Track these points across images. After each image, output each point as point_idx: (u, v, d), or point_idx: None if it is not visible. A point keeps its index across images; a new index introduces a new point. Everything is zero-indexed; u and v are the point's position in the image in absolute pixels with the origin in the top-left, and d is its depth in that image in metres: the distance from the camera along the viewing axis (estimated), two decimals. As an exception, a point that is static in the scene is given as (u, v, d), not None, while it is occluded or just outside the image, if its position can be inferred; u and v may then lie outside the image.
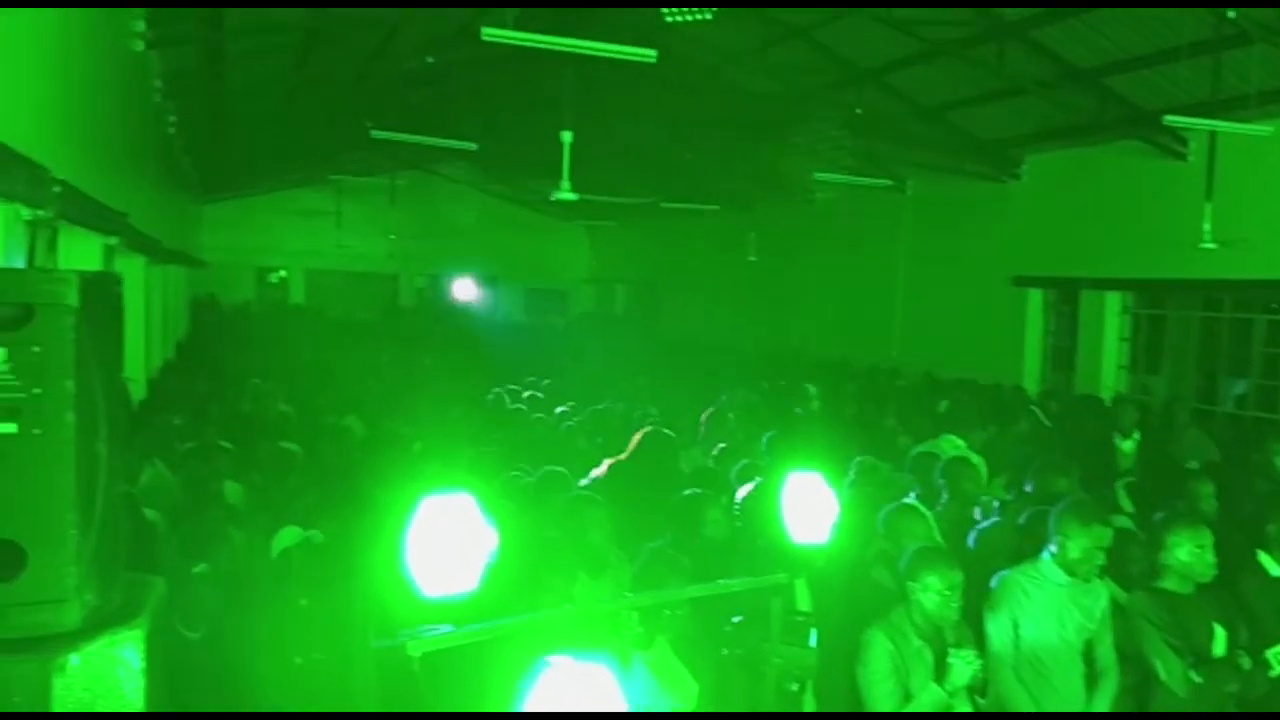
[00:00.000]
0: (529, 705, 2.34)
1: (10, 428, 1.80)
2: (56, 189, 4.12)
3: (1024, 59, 11.72)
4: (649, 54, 7.50)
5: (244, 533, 6.49)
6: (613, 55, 7.44)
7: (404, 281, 30.99)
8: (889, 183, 15.81)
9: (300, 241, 27.89)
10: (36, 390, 1.80)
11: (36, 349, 1.80)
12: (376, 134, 12.56)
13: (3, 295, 1.78)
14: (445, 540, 2.29)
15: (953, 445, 7.46)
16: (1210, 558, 3.94)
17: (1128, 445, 7.33)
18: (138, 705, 1.94)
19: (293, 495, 6.60)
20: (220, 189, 23.93)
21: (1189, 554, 3.95)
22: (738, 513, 4.25)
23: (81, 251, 6.22)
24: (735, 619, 3.41)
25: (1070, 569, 3.95)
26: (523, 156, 17.55)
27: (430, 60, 11.53)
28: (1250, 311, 12.21)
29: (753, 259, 18.53)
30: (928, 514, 4.41)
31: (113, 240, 6.58)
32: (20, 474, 1.81)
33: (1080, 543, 3.91)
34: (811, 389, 12.62)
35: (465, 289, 31.96)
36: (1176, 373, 13.64)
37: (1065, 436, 8.49)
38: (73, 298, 1.82)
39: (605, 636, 2.76)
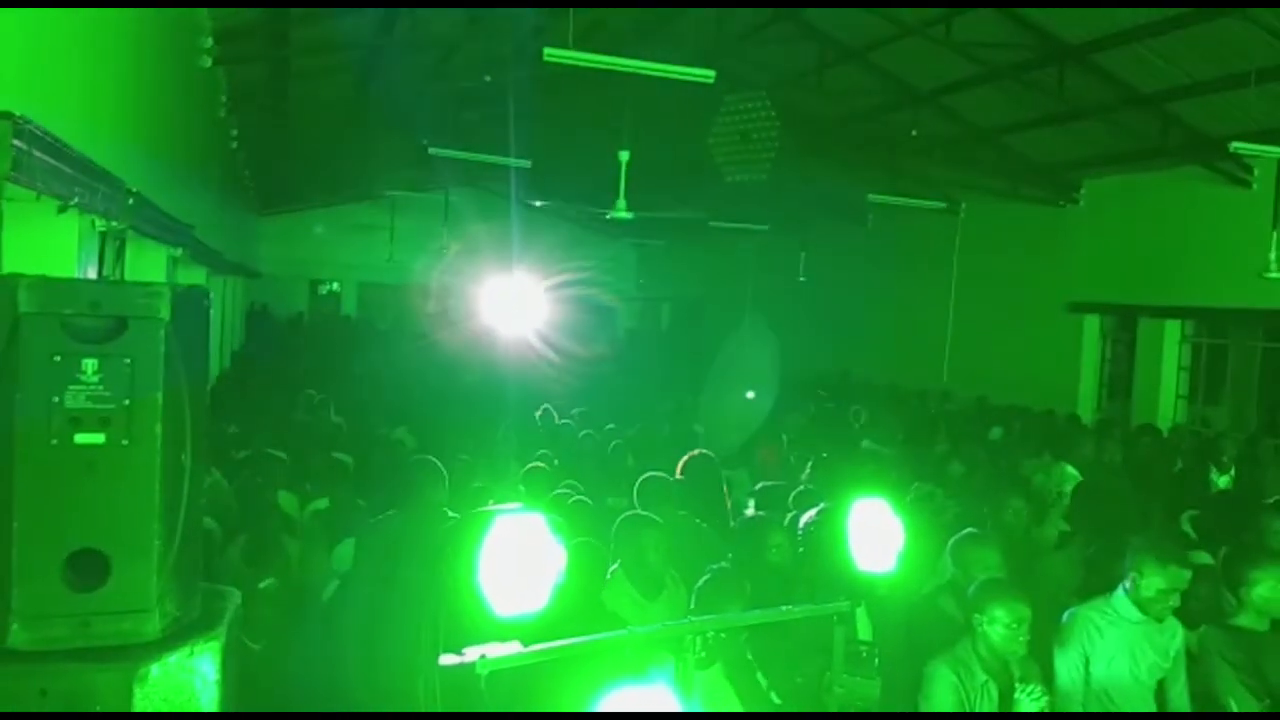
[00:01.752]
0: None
1: (99, 438, 1.83)
2: (131, 201, 4.20)
3: (1084, 83, 11.57)
4: (707, 74, 7.51)
5: (300, 543, 6.60)
6: (671, 76, 7.47)
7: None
8: (943, 205, 15.66)
9: (353, 255, 28.32)
10: (126, 402, 1.83)
11: (128, 361, 1.83)
12: (435, 151, 12.69)
13: (97, 307, 1.81)
14: (517, 559, 2.28)
15: (1070, 475, 7.21)
16: (1292, 595, 3.82)
17: (1224, 480, 7.15)
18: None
19: (348, 507, 6.68)
20: (277, 203, 24.42)
21: (1270, 590, 3.83)
22: (800, 539, 4.19)
23: (148, 262, 6.34)
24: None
25: (1143, 607, 3.85)
26: (576, 174, 17.64)
27: (488, 79, 11.66)
28: (1317, 343, 11.92)
29: (803, 279, 18.45)
30: (997, 544, 4.32)
31: (178, 252, 6.70)
32: (107, 484, 1.84)
33: (1155, 582, 3.81)
34: (862, 412, 12.53)
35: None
36: (1237, 404, 13.32)
37: (1147, 469, 8.30)
38: (165, 311, 1.84)
39: (667, 659, 2.74)
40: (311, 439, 9.57)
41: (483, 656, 2.36)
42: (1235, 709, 3.74)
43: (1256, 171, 11.34)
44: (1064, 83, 11.41)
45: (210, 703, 1.97)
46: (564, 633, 2.51)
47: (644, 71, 7.40)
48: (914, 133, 13.81)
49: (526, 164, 13.00)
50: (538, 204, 24.79)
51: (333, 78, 12.27)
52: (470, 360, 17.67)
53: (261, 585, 4.46)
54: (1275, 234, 9.02)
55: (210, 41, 7.95)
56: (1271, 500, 5.60)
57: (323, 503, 6.99)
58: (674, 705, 2.48)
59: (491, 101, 13.93)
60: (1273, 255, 8.99)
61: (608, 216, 9.48)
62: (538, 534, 2.31)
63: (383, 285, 29.80)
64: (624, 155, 8.81)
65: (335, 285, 31.01)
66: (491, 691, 2.34)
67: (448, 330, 27.35)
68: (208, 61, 8.05)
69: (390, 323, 27.77)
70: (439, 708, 2.52)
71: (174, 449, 1.92)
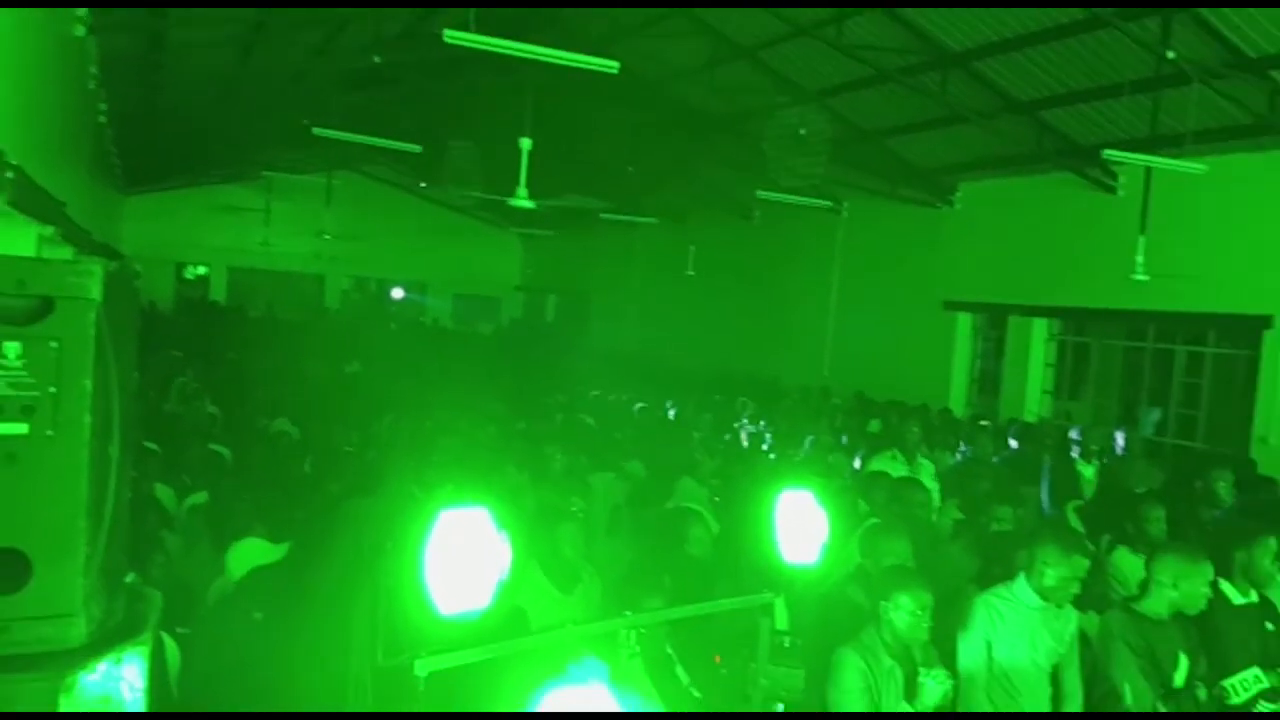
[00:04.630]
0: (533, 725, 2.28)
1: (22, 428, 1.67)
2: (10, 174, 3.91)
3: (965, 89, 12.01)
4: (611, 65, 7.47)
5: (179, 538, 6.30)
6: (575, 64, 7.40)
7: (330, 283, 30.44)
8: (827, 204, 16.03)
9: (223, 238, 27.20)
10: (52, 389, 1.68)
11: (55, 344, 1.68)
12: (318, 132, 12.28)
13: (23, 286, 1.66)
14: (462, 556, 2.21)
15: (894, 464, 7.57)
16: (1207, 593, 4.02)
17: (1089, 471, 7.54)
18: (141, 726, 1.82)
19: (233, 501, 6.40)
20: (143, 181, 23.19)
21: (1192, 587, 4.02)
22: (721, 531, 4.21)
23: (15, 240, 5.93)
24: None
25: (1045, 594, 4.00)
26: (468, 161, 17.34)
27: (377, 60, 11.35)
28: (1172, 343, 12.67)
29: (691, 273, 18.63)
30: (905, 534, 4.44)
31: (48, 230, 6.28)
32: (30, 478, 1.68)
33: (1059, 570, 3.97)
34: (748, 404, 12.74)
35: (396, 293, 31.57)
36: (1098, 400, 14.08)
37: (1023, 461, 8.68)
38: (96, 291, 1.70)
39: (603, 656, 2.70)
40: (186, 430, 9.18)
41: (420, 657, 2.28)
42: (1129, 691, 3.93)
43: (1122, 178, 11.98)
44: (946, 88, 11.81)
45: (137, 710, 1.83)
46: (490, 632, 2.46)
47: (547, 59, 7.31)
48: (802, 131, 14.07)
49: (416, 149, 12.70)
50: (424, 187, 24.31)
51: (212, 51, 11.73)
52: (352, 350, 17.21)
53: (126, 580, 4.22)
54: (1142, 239, 9.52)
55: (85, 10, 7.46)
56: (1143, 490, 5.92)
57: (201, 497, 6.70)
58: (611, 703, 2.44)
59: (379, 85, 13.59)
60: (1139, 259, 9.50)
61: (511, 203, 9.33)
62: (483, 529, 2.24)
63: (255, 270, 28.76)
64: (525, 143, 8.69)
65: (203, 269, 29.73)
66: (430, 693, 2.26)
67: (325, 319, 26.65)
68: (81, 30, 7.57)
69: (264, 309, 26.79)
70: (370, 709, 2.43)
71: (102, 440, 1.78)
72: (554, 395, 13.62)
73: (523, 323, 30.28)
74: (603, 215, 19.70)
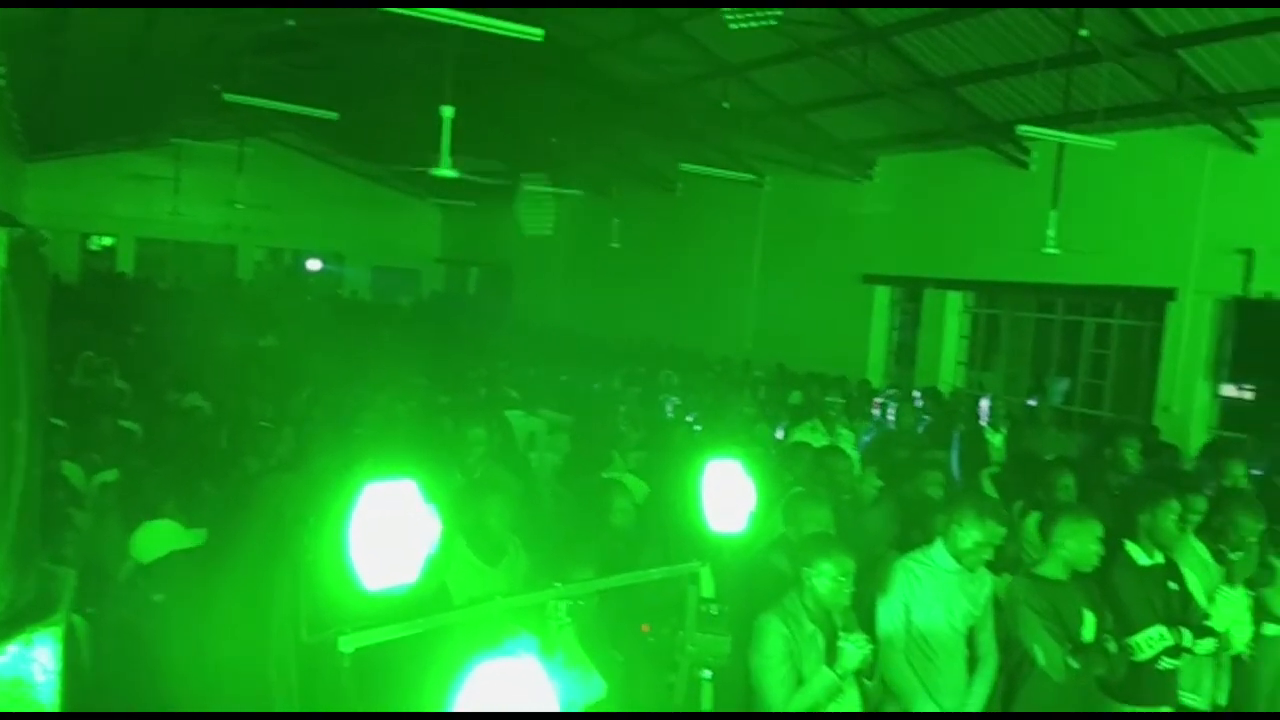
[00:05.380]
0: (461, 702, 2.26)
1: (-79, 402, 1.59)
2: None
3: (885, 64, 12.16)
4: (536, 33, 7.36)
5: (89, 516, 6.11)
6: (498, 32, 7.27)
7: (243, 254, 29.60)
8: (749, 177, 16.12)
9: (131, 208, 26.21)
10: (-47, 361, 1.60)
11: (-45, 314, 1.60)
12: (229, 97, 11.88)
13: (-79, 252, 1.57)
14: (389, 530, 2.17)
15: (815, 434, 7.70)
16: (1098, 549, 4.17)
17: (997, 439, 7.77)
18: (54, 707, 1.76)
19: (144, 478, 6.22)
20: (48, 147, 22.20)
21: (1080, 545, 4.17)
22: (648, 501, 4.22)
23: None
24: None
25: (960, 558, 4.11)
26: (385, 130, 17.02)
27: (291, 24, 10.98)
28: (1081, 314, 13.09)
29: (615, 246, 18.60)
30: (827, 501, 4.51)
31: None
32: (-69, 455, 1.61)
33: (973, 534, 4.08)
34: (673, 377, 12.80)
35: (311, 264, 30.85)
36: (1010, 370, 14.49)
37: (935, 430, 8.89)
38: (1, 258, 1.62)
39: (532, 628, 2.70)
40: (93, 406, 8.89)
41: (345, 634, 2.24)
42: (1040, 653, 4.06)
43: (1035, 154, 12.29)
44: (867, 63, 11.94)
45: (51, 695, 1.77)
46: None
47: (470, 25, 7.17)
48: (725, 104, 14.11)
49: (333, 116, 12.38)
50: (336, 161, 23.79)
51: (118, 13, 11.23)
52: (267, 322, 16.81)
53: (37, 559, 4.07)
54: (1053, 213, 9.78)
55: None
56: (1053, 457, 6.11)
57: (111, 474, 6.50)
58: (541, 675, 2.44)
59: (293, 49, 13.20)
60: (1050, 233, 9.76)
61: (434, 173, 9.16)
62: (410, 502, 2.21)
63: (164, 241, 27.82)
64: (447, 112, 8.53)
65: (109, 240, 28.65)
66: (355, 670, 2.23)
67: (237, 291, 25.95)
68: (-28, -15, 7.17)
69: (173, 282, 25.95)
70: (294, 690, 2.39)
71: (7, 415, 1.70)
72: (477, 369, 13.52)
73: (444, 295, 29.88)
74: (525, 187, 19.51)
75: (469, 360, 14.22)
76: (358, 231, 28.48)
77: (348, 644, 2.23)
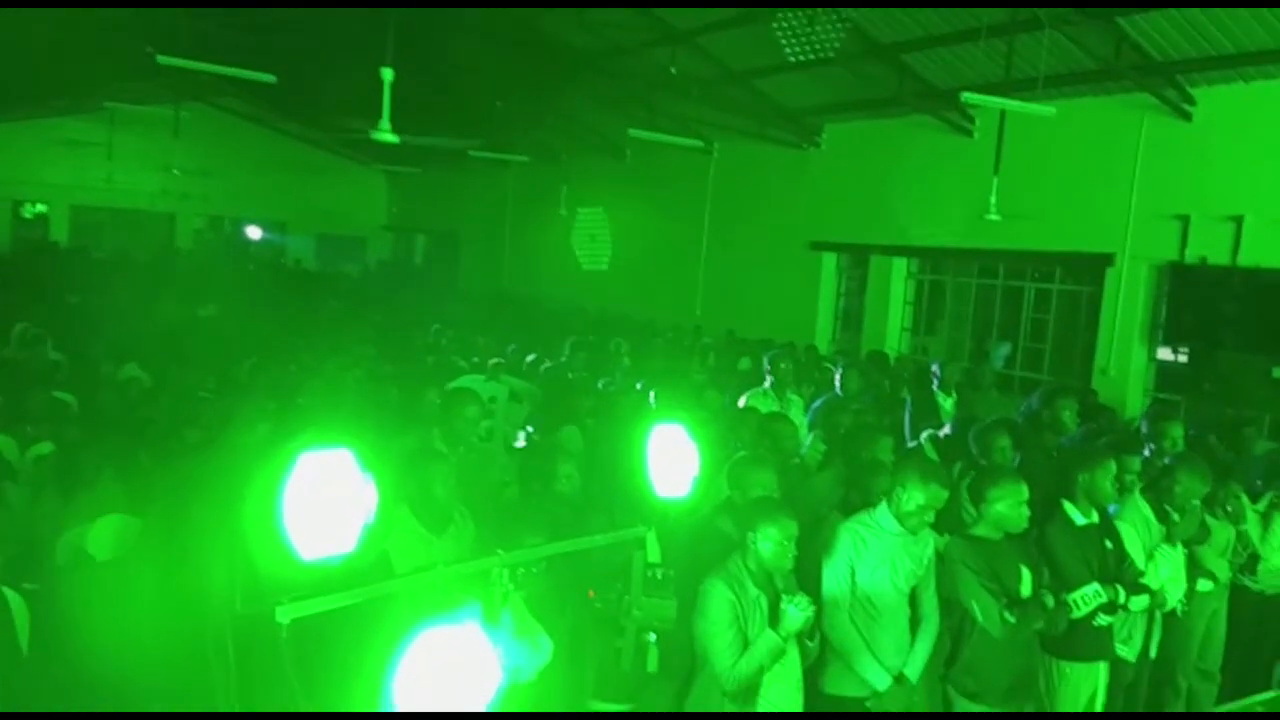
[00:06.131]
0: (404, 671, 2.25)
1: None
2: None
3: (831, 30, 12.14)
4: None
5: (23, 490, 5.97)
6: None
7: (182, 222, 28.91)
8: (698, 144, 16.08)
9: (64, 174, 25.41)
10: None
11: None
12: (163, 60, 11.52)
13: None
14: (324, 499, 2.14)
15: (766, 400, 7.75)
16: (1026, 511, 4.26)
17: (948, 403, 7.89)
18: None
19: (80, 451, 6.10)
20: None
21: (1008, 507, 4.26)
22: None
23: None
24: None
25: (903, 520, 4.18)
26: (327, 94, 16.67)
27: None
28: (1021, 280, 13.29)
29: (564, 213, 18.47)
30: (772, 465, 4.55)
31: None
32: None
33: (917, 498, 4.14)
34: (623, 345, 12.78)
35: (252, 232, 30.23)
36: (953, 335, 14.70)
37: (883, 393, 8.99)
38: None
39: (476, 595, 2.69)
40: (27, 378, 8.67)
41: (282, 604, 2.21)
42: (978, 610, 4.15)
43: (978, 121, 12.40)
44: (814, 30, 11.92)
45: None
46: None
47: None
48: (673, 70, 14.02)
49: (271, 79, 12.08)
50: (277, 125, 23.27)
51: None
52: (207, 292, 16.47)
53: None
54: (995, 180, 9.89)
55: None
56: (992, 420, 6.21)
57: (45, 447, 6.36)
58: (485, 642, 2.43)
59: (232, 9, 12.84)
60: (992, 199, 9.87)
61: (373, 136, 8.98)
62: (346, 471, 2.17)
63: (99, 209, 27.05)
64: (387, 74, 8.36)
65: (42, 208, 27.80)
66: (294, 641, 2.20)
67: (176, 260, 25.38)
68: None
69: (110, 250, 25.29)
70: (232, 662, 2.35)
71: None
72: (424, 337, 13.40)
73: (390, 264, 29.49)
74: (472, 153, 19.26)
75: (416, 329, 14.10)
76: (301, 199, 27.94)
77: (284, 614, 2.20)
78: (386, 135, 8.82)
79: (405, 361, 10.62)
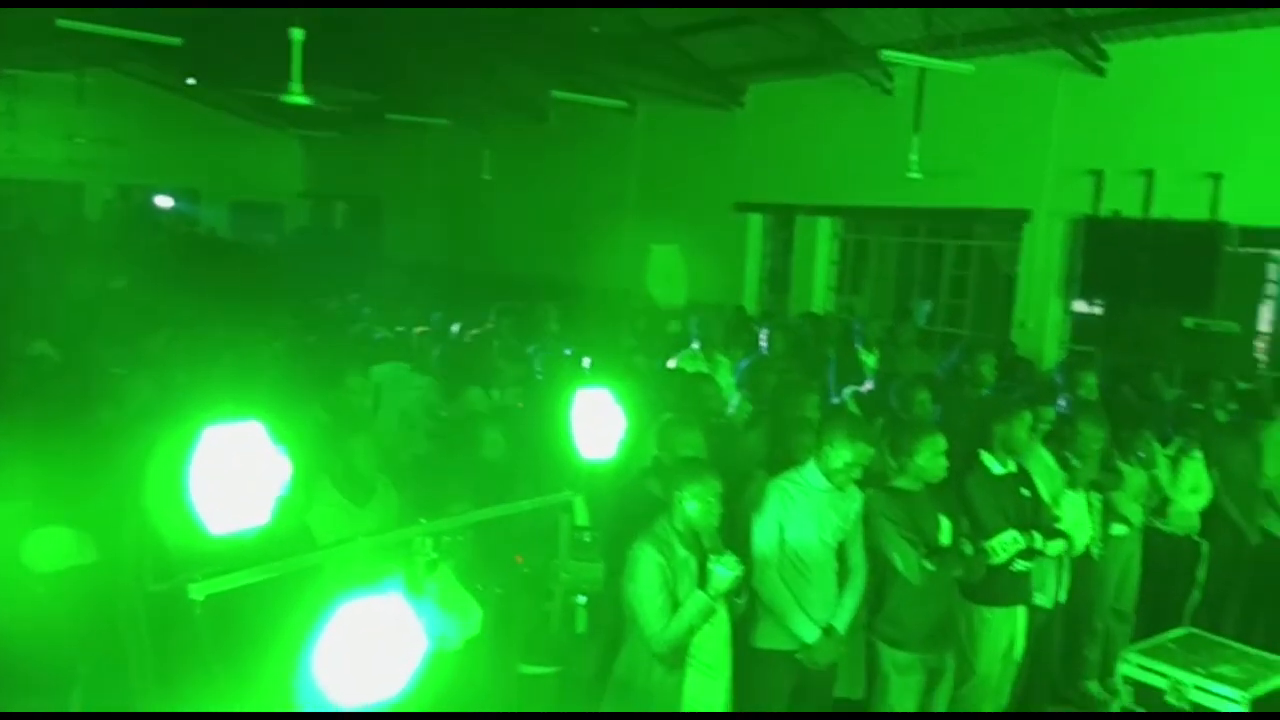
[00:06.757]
0: (325, 644, 2.21)
1: None
2: None
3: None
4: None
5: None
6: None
7: (90, 192, 27.86)
8: (622, 104, 15.93)
9: (-40, 145, 24.26)
10: None
11: None
12: (64, 23, 11.01)
13: None
14: (231, 472, 2.07)
15: (694, 362, 7.80)
16: (944, 461, 4.35)
17: (871, 360, 8.00)
18: None
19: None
20: None
21: (926, 459, 4.34)
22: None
23: None
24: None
25: (830, 477, 4.23)
26: (234, 57, 16.08)
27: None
28: (942, 238, 13.50)
29: (487, 178, 18.18)
30: (699, 426, 4.56)
31: None
32: None
33: (843, 454, 4.19)
34: (551, 310, 12.68)
35: (164, 202, 29.25)
36: (876, 293, 14.90)
37: (809, 352, 9.08)
38: None
39: (398, 565, 2.65)
40: (-73, 354, 8.31)
41: (195, 580, 2.15)
42: (899, 560, 4.24)
43: (897, 80, 12.49)
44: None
45: None
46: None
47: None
48: (594, 29, 13.84)
49: (177, 42, 11.64)
50: (191, 82, 22.43)
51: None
52: (118, 263, 15.94)
53: None
54: (915, 138, 9.98)
55: None
56: (912, 375, 6.33)
57: (-50, 427, 6.09)
58: (408, 612, 2.40)
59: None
60: (914, 158, 9.97)
61: (284, 99, 8.71)
62: (256, 443, 2.10)
63: (3, 180, 25.91)
64: (297, 34, 8.09)
65: (-63, 180, 26.54)
66: (212, 616, 2.14)
67: (85, 231, 24.49)
68: None
69: (16, 223, 24.29)
70: (146, 641, 2.28)
71: None
72: (344, 306, 13.17)
73: (309, 231, 28.80)
74: (390, 116, 18.81)
75: (336, 298, 13.83)
76: (214, 166, 27.05)
77: (198, 591, 2.14)
78: (298, 98, 8.57)
79: (326, 332, 10.40)
